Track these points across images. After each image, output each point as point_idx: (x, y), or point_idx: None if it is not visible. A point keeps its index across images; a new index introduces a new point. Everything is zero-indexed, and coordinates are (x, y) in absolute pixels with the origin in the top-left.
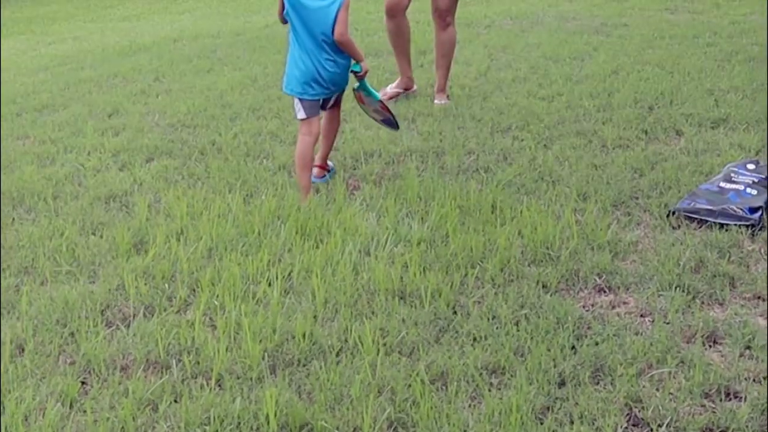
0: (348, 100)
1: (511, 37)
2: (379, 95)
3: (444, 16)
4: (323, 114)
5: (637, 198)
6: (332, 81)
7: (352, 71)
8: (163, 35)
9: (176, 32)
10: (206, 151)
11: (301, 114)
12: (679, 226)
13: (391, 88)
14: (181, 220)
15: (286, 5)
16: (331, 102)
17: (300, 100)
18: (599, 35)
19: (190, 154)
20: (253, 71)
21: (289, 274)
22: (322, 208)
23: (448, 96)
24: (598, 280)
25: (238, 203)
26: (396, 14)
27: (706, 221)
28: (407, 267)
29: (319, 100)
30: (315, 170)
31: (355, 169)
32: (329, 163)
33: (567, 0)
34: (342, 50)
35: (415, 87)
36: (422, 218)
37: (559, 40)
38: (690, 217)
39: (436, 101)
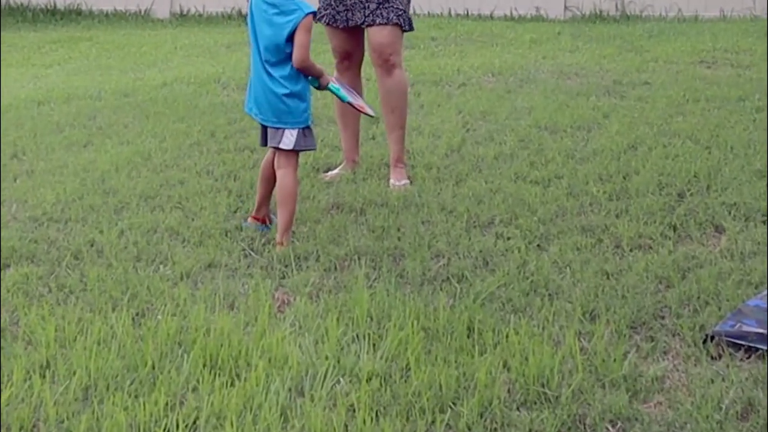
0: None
1: (493, 99)
2: (345, 95)
3: (386, 54)
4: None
5: (662, 317)
6: (267, 102)
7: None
8: (24, 96)
9: (42, 92)
10: (82, 255)
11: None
12: (719, 356)
13: (333, 173)
14: (47, 348)
15: (249, 7)
16: (268, 141)
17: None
18: (611, 97)
19: (60, 258)
20: (146, 145)
21: (195, 422)
22: (238, 331)
23: (409, 177)
24: (611, 429)
25: (126, 325)
26: (350, 68)
27: (756, 349)
28: (354, 411)
29: (263, 126)
30: (249, 219)
31: (284, 277)
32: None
33: (567, 50)
34: (291, 75)
35: (357, 160)
36: (374, 345)
37: (558, 104)
38: (734, 344)
39: (392, 181)
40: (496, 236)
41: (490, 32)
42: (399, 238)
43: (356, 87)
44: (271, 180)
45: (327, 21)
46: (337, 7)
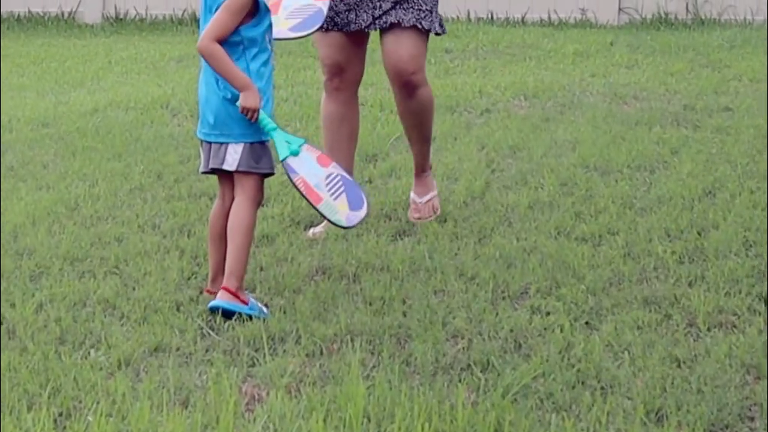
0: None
1: (526, 130)
2: (287, 151)
3: (407, 75)
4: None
5: (751, 418)
6: (211, 110)
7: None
8: None
9: None
10: None
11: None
12: None
13: (317, 231)
14: None
15: None
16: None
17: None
18: (681, 127)
19: None
20: (72, 191)
21: None
22: None
23: (435, 209)
24: None
25: (46, 429)
26: (342, 88)
27: None
28: None
29: (206, 143)
30: (221, 293)
31: (253, 365)
32: (247, 296)
33: (623, 66)
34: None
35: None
36: None
37: (611, 137)
38: None
39: (413, 197)
40: (531, 311)
41: (522, 42)
42: (404, 314)
43: (351, 115)
44: (224, 238)
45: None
46: (337, 5)
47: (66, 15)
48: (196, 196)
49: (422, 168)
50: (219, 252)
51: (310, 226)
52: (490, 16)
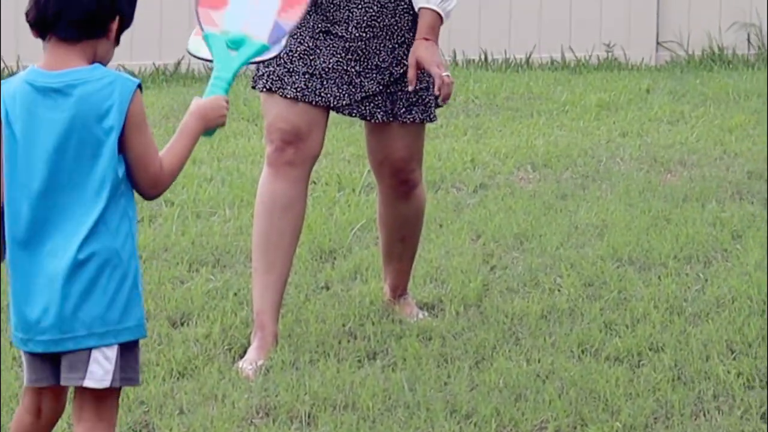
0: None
1: (535, 211)
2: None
3: (408, 172)
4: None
5: None
6: (61, 300)
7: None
8: None
9: None
10: None
11: None
12: None
13: (252, 360)
14: None
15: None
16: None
17: None
18: (745, 202)
19: None
20: None
21: None
22: None
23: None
24: None
25: None
26: (295, 163)
27: None
28: None
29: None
30: None
31: None
32: None
33: (664, 121)
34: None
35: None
36: None
37: (651, 218)
38: None
39: (413, 312)
40: None
41: (527, 92)
42: None
43: (300, 200)
44: None
45: (270, 85)
46: (293, 63)
47: None
48: None
49: (403, 289)
50: None
51: (242, 354)
52: (483, 57)
